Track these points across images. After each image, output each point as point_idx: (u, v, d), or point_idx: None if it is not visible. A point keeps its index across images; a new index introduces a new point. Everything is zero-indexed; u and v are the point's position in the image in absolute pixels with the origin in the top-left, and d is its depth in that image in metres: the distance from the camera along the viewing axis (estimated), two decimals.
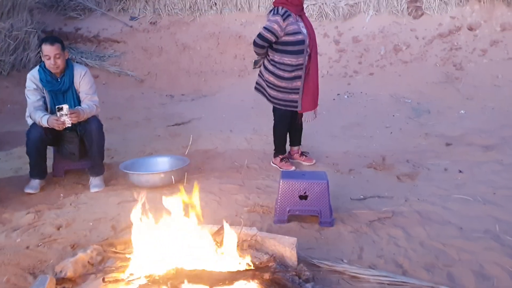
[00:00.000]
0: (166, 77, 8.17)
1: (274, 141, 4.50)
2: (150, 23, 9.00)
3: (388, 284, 2.46)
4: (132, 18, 9.11)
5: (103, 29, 8.90)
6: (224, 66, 8.29)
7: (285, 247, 2.62)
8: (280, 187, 3.23)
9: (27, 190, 3.71)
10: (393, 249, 2.88)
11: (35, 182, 3.78)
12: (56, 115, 3.54)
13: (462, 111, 6.14)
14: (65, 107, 3.54)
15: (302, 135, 4.64)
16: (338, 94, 7.02)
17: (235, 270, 2.17)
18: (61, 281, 2.35)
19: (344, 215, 3.35)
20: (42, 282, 2.19)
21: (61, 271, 2.39)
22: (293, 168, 4.39)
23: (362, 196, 3.74)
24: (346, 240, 3.00)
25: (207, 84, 8.03)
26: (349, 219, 3.31)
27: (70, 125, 3.58)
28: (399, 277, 2.53)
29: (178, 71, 8.32)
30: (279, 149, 4.49)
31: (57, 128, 3.58)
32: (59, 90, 3.76)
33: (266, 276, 2.22)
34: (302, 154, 4.64)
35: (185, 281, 2.02)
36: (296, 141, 4.64)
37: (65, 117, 3.53)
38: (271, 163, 4.52)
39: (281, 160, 4.46)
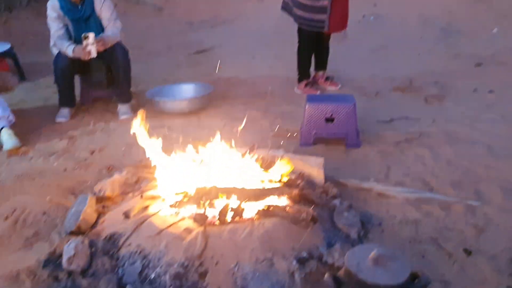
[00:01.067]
0: (184, 4, 7.99)
1: (298, 65, 4.44)
2: None
3: (415, 200, 2.51)
4: None
5: None
6: None
7: (312, 167, 2.66)
8: (306, 110, 3.23)
9: (58, 119, 3.81)
10: (420, 168, 2.90)
11: (65, 111, 3.86)
12: (82, 44, 3.53)
13: (494, 30, 5.88)
14: (91, 35, 3.51)
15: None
16: (363, 16, 6.78)
17: (265, 187, 2.24)
18: (101, 199, 2.47)
19: (371, 137, 3.36)
20: (83, 200, 2.30)
21: (100, 191, 2.50)
22: (318, 92, 4.36)
23: (388, 119, 3.73)
24: (372, 161, 3.03)
25: (226, 10, 7.83)
26: (375, 140, 3.32)
27: (95, 55, 3.58)
28: (426, 193, 2.58)
29: None
30: (303, 74, 4.44)
31: (82, 58, 3.59)
32: (81, 17, 3.73)
33: (295, 192, 2.28)
34: (327, 78, 4.58)
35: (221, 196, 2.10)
36: (321, 65, 4.57)
37: (91, 47, 3.52)
38: (295, 89, 4.49)
39: (306, 85, 4.42)
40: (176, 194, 2.15)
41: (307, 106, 3.22)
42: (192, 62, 5.54)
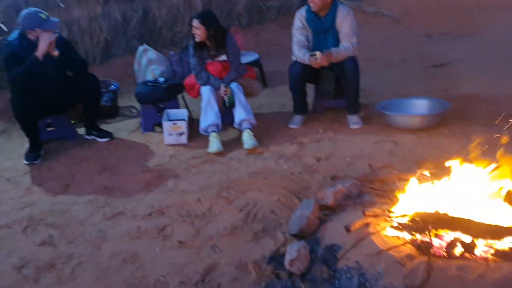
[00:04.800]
0: (424, 15, 7.67)
1: None
2: None
3: None
4: None
5: None
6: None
7: None
8: None
9: (291, 126, 4.08)
10: None
11: (298, 118, 4.11)
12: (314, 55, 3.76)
13: None
14: (318, 54, 3.73)
15: None
16: None
17: (508, 224, 1.95)
18: (323, 207, 2.54)
19: None
20: (308, 205, 2.40)
21: (322, 199, 2.57)
22: None
23: None
24: None
25: (470, 22, 7.21)
26: None
27: (325, 64, 3.77)
28: None
29: (438, 8, 7.71)
30: None
31: (313, 66, 3.80)
32: (321, 29, 3.92)
33: None
34: None
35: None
36: None
37: (319, 59, 3.74)
38: None
39: None
40: (402, 215, 2.05)
41: None
42: (428, 76, 5.26)
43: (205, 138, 3.79)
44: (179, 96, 4.34)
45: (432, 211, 1.97)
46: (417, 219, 2.00)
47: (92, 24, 5.26)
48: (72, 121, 4.18)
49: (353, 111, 4.01)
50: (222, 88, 3.86)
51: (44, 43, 3.45)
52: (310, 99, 4.25)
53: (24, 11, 3.60)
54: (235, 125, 3.83)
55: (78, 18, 5.18)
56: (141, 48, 5.03)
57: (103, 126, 4.21)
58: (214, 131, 3.75)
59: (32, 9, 3.66)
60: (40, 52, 3.46)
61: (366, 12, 7.85)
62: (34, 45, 3.49)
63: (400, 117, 3.77)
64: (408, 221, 2.02)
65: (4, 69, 3.91)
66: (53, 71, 3.62)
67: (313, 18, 3.90)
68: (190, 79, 4.17)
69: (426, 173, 2.39)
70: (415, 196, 2.18)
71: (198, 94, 4.07)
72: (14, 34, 3.64)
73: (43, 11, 3.61)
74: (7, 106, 3.74)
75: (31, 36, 3.52)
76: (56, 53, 3.56)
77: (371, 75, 5.14)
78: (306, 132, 3.93)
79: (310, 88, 4.20)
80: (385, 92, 4.75)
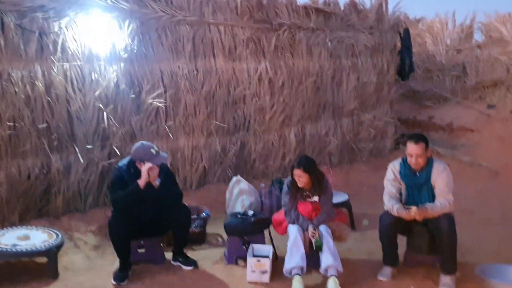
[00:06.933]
0: None
1: None
2: (510, 111, 8.42)
3: None
4: (489, 107, 8.76)
5: (457, 118, 8.85)
6: None
7: None
8: None
9: (380, 277, 3.87)
10: None
11: (387, 270, 3.91)
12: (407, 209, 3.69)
13: None
14: (414, 208, 3.65)
15: None
16: None
17: None
18: None
19: None
20: None
21: None
22: None
23: None
24: None
25: None
26: None
27: (420, 220, 3.66)
28: None
29: None
30: None
31: (405, 219, 3.71)
32: (415, 184, 3.88)
33: None
34: None
35: None
36: None
37: (413, 213, 3.64)
38: None
39: None
40: None
41: None
42: None
43: (287, 279, 3.70)
44: (266, 231, 4.36)
45: None
46: None
47: (194, 153, 5.68)
48: (162, 245, 4.33)
49: (447, 271, 3.74)
50: (311, 229, 3.85)
51: (145, 174, 3.73)
52: (401, 249, 4.05)
53: (138, 144, 3.93)
54: (321, 270, 3.72)
55: (182, 146, 5.63)
56: (234, 178, 5.28)
57: (190, 252, 4.28)
58: (298, 274, 3.65)
59: (146, 143, 3.95)
60: (142, 182, 3.74)
61: (460, 161, 7.68)
62: (140, 173, 3.79)
63: (505, 286, 3.44)
64: None
65: (109, 190, 4.25)
66: (151, 198, 3.85)
67: (407, 173, 3.88)
68: (279, 216, 4.22)
69: None
70: None
71: (285, 232, 4.08)
72: (125, 160, 3.99)
73: (154, 146, 3.91)
74: (105, 223, 3.97)
75: (139, 166, 3.84)
76: (157, 183, 3.82)
77: (467, 230, 4.83)
78: (396, 287, 3.69)
79: (402, 239, 4.04)
80: (482, 252, 4.43)
